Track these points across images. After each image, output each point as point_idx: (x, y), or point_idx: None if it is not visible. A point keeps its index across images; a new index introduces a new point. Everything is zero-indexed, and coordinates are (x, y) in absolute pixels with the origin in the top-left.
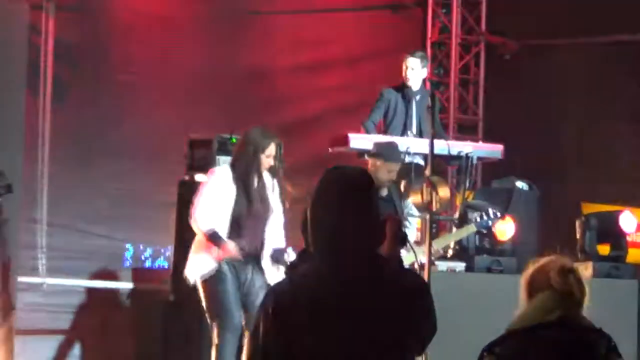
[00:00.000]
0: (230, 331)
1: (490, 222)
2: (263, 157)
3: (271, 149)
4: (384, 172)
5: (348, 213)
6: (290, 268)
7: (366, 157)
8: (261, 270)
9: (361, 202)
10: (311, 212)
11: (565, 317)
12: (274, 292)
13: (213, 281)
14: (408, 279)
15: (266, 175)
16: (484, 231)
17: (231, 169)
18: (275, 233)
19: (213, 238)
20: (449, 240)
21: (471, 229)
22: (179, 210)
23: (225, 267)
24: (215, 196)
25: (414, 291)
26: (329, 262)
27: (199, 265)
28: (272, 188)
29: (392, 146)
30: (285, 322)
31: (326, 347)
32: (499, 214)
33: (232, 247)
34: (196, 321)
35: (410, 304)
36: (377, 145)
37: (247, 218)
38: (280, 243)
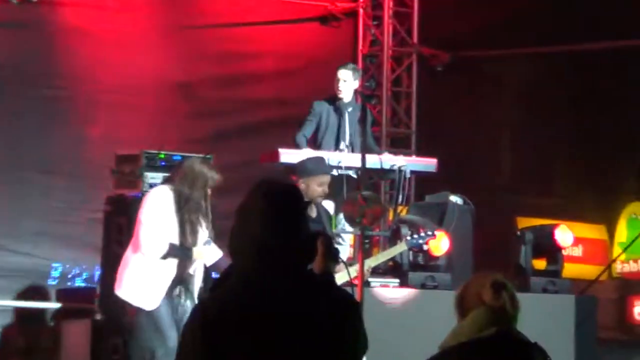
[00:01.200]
0: (165, 354)
1: (421, 241)
2: (208, 190)
3: (214, 184)
4: (314, 187)
5: (276, 228)
6: (216, 284)
7: (296, 179)
8: (192, 293)
9: (290, 217)
10: (238, 227)
11: (500, 333)
12: (200, 308)
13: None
14: (338, 297)
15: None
16: (416, 249)
17: (175, 196)
18: (208, 249)
19: (176, 254)
20: (380, 260)
21: (402, 247)
22: (107, 227)
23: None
24: (161, 221)
25: (344, 309)
26: (257, 278)
27: (140, 290)
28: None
29: (316, 159)
30: (212, 338)
31: None
32: (430, 233)
33: (199, 253)
34: (125, 342)
35: (340, 321)
36: (301, 163)
37: (181, 245)
38: (218, 253)
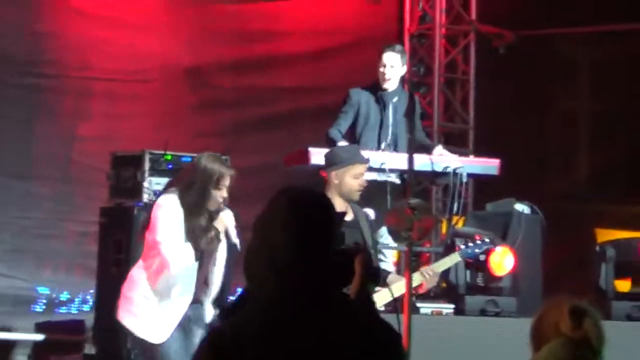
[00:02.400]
0: None
1: (478, 250)
2: (215, 191)
3: (225, 181)
4: (349, 179)
5: (303, 243)
6: (230, 310)
7: (326, 173)
8: (206, 312)
9: (320, 230)
10: (257, 243)
11: None
12: (213, 336)
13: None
14: (375, 328)
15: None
16: (471, 261)
17: (180, 201)
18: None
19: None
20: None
21: (454, 258)
22: (102, 243)
23: None
24: (179, 232)
25: (382, 343)
26: (279, 304)
27: (150, 319)
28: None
29: (349, 147)
30: None
31: None
32: (488, 241)
33: (219, 221)
34: None
35: (377, 358)
36: (331, 152)
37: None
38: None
